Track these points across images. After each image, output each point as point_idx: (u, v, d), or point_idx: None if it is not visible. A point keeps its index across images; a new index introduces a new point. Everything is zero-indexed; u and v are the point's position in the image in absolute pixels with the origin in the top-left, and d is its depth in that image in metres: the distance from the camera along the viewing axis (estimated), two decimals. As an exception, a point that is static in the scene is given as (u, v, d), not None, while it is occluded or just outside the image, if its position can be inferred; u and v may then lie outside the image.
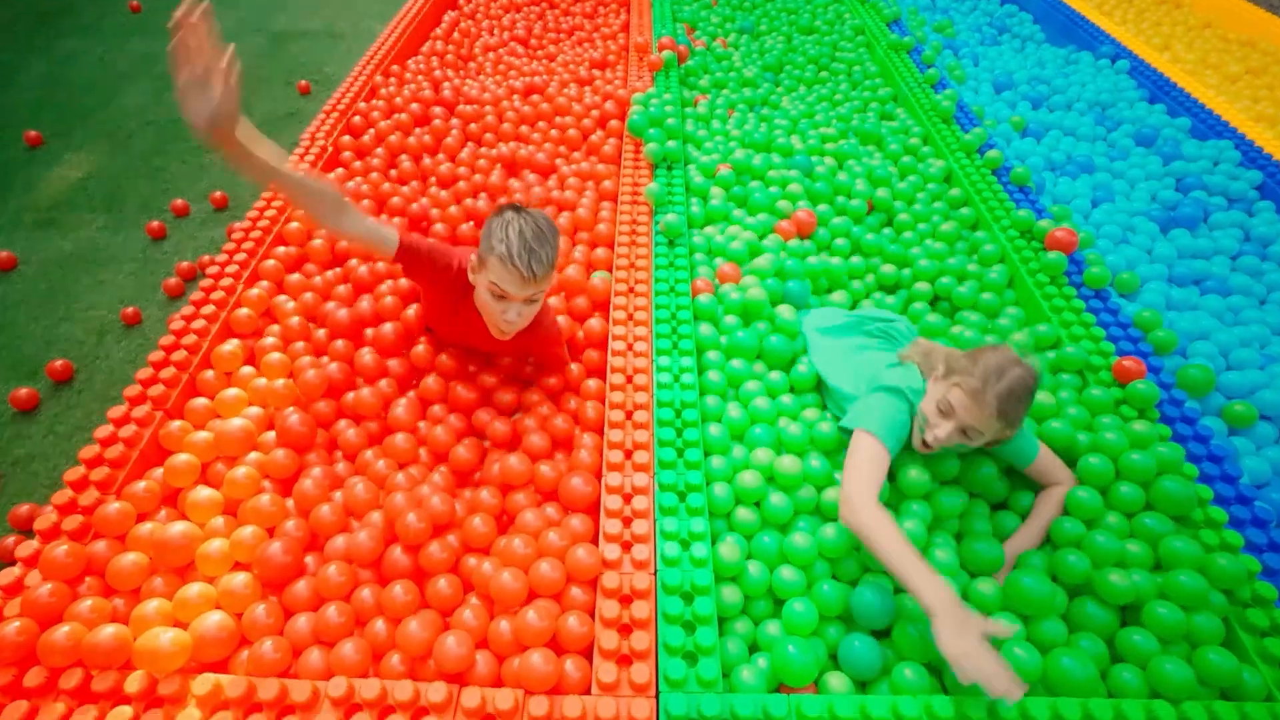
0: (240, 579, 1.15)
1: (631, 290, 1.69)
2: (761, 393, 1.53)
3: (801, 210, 2.07)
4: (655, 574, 1.15)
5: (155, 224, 2.51)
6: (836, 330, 1.65)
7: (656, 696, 1.02)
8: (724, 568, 1.21)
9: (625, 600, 1.11)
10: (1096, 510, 1.33)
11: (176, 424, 1.36)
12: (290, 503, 1.30)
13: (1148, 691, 1.11)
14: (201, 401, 1.43)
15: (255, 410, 1.45)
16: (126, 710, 1.01)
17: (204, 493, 1.26)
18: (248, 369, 1.52)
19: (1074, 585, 1.25)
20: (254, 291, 1.67)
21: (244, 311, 1.60)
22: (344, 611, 1.13)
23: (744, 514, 1.31)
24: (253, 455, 1.36)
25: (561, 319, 1.65)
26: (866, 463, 1.21)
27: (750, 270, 1.83)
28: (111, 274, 2.37)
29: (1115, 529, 1.31)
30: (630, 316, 1.60)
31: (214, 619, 1.09)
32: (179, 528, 1.17)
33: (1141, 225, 2.17)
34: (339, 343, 1.60)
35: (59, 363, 2.01)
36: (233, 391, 1.42)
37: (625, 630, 1.08)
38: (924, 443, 1.32)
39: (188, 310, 1.62)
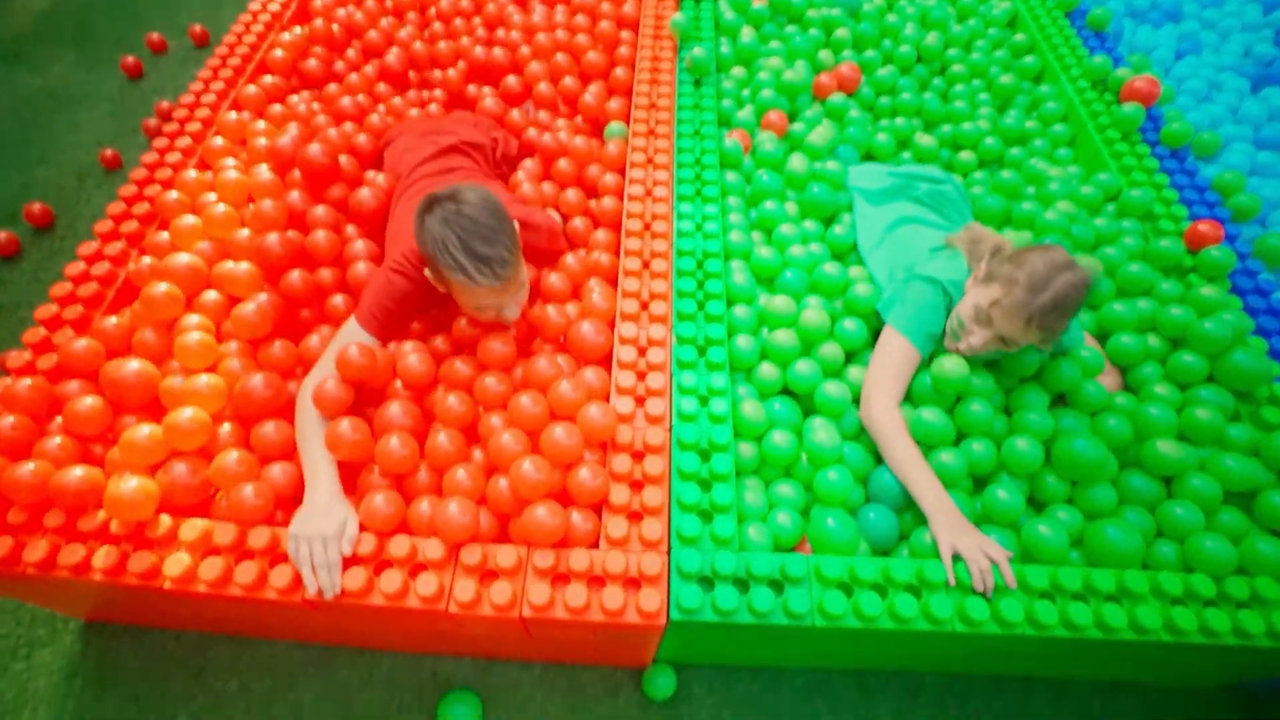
0: (199, 420, 1.04)
1: (652, 132, 1.50)
2: (797, 240, 1.40)
3: (845, 64, 1.82)
4: (670, 430, 1.06)
5: (131, 60, 2.29)
6: (880, 195, 1.49)
7: (669, 554, 0.96)
8: (745, 427, 1.12)
9: (638, 456, 1.03)
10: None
11: (148, 260, 1.24)
12: (233, 344, 1.18)
13: (1183, 567, 1.05)
14: (166, 236, 1.30)
15: (204, 245, 1.29)
16: (113, 550, 0.96)
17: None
18: (211, 195, 1.36)
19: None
20: (231, 116, 1.50)
21: (219, 141, 1.44)
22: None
23: (767, 370, 1.20)
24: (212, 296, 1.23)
25: (571, 193, 1.46)
26: (892, 365, 1.17)
27: (804, 142, 1.62)
28: (87, 114, 2.19)
29: (1168, 400, 1.21)
30: (650, 160, 1.43)
31: (180, 469, 1.01)
32: (133, 366, 1.07)
33: (1229, 82, 1.91)
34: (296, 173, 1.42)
35: (37, 206, 1.88)
36: (189, 220, 1.28)
37: (637, 486, 1.01)
38: (957, 347, 1.21)
39: (161, 143, 1.46)
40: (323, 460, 1.03)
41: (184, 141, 1.45)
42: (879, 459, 1.18)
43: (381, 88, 1.71)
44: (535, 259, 1.29)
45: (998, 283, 1.11)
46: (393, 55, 1.73)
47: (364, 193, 1.36)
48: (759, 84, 1.74)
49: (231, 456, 1.02)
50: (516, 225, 1.07)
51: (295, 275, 1.22)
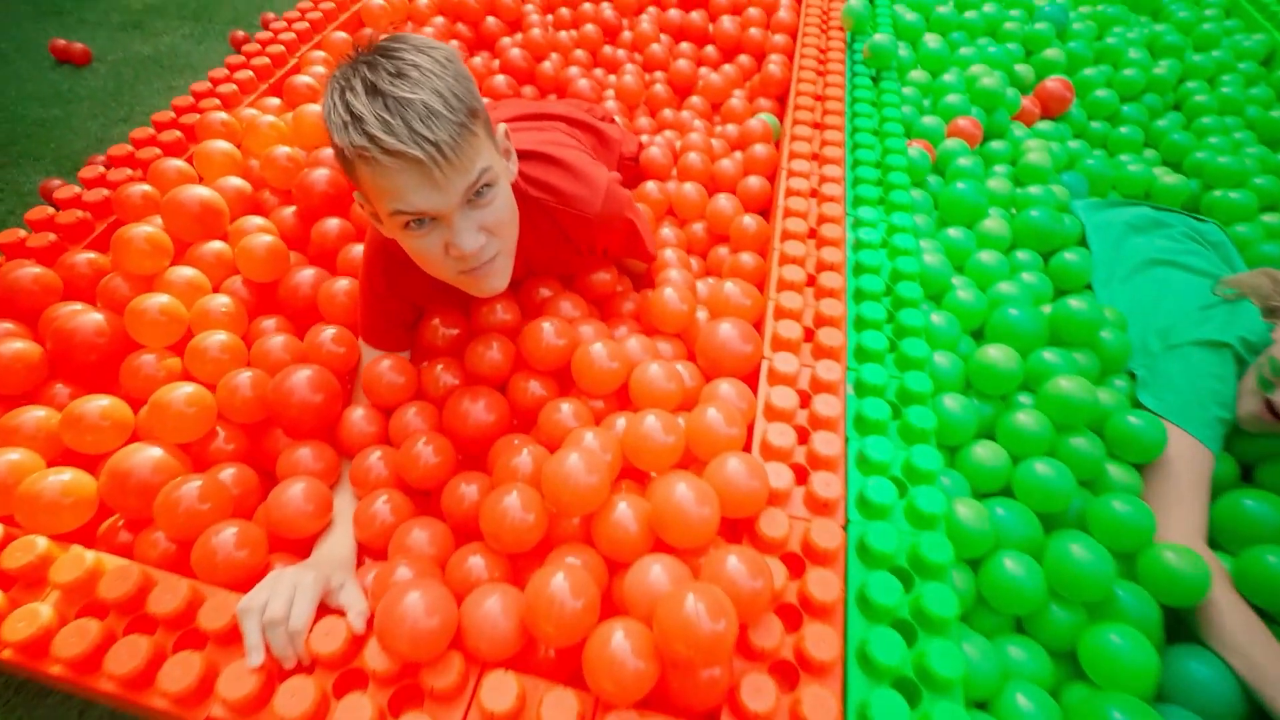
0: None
1: (819, 125, 1.14)
2: (1003, 272, 1.00)
3: (1053, 79, 1.44)
4: (847, 528, 0.65)
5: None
6: (1121, 229, 1.11)
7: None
8: (962, 538, 0.69)
9: (796, 567, 0.62)
10: None
11: (141, 188, 0.96)
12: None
13: None
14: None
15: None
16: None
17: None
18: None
19: None
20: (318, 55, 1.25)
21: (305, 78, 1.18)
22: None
23: (983, 454, 0.78)
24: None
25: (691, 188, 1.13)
26: (1189, 488, 0.78)
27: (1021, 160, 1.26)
28: (185, 80, 2.06)
29: None
30: (817, 155, 1.07)
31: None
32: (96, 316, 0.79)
33: None
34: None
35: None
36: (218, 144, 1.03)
37: (794, 619, 0.59)
38: (1271, 410, 0.80)
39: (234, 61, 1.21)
40: (341, 515, 0.75)
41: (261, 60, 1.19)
42: (1180, 630, 0.72)
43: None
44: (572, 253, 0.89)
45: None
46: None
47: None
48: (944, 87, 1.38)
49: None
50: (477, 101, 0.63)
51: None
